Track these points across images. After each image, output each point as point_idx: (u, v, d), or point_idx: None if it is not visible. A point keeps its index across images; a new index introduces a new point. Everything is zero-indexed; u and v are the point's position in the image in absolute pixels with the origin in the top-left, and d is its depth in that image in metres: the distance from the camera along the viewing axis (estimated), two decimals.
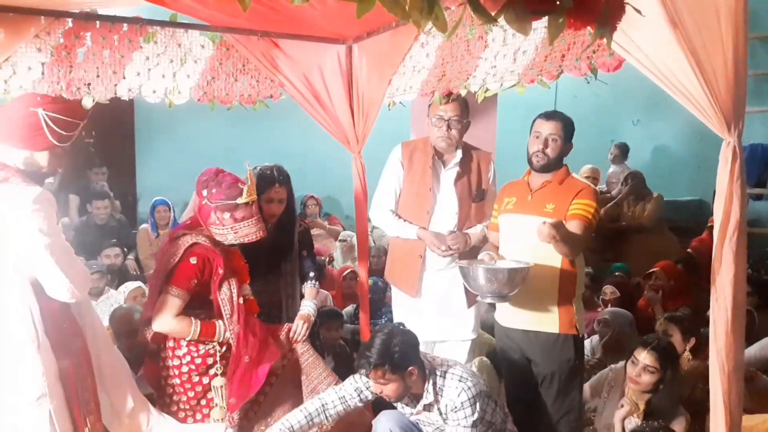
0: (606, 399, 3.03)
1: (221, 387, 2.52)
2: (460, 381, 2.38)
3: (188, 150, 6.98)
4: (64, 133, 1.99)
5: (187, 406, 2.57)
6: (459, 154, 3.00)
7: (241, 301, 2.50)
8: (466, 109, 2.95)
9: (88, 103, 2.75)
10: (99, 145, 6.56)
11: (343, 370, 3.13)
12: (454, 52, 2.72)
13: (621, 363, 3.07)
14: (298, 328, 2.73)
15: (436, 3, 1.10)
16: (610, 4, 1.23)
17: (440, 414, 2.44)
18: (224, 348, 2.53)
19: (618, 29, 1.40)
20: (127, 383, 2.40)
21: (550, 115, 2.64)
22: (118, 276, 4.65)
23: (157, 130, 6.80)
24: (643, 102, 6.85)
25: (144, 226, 5.60)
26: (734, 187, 1.71)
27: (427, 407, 2.44)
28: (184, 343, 2.50)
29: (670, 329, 3.31)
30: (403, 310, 3.11)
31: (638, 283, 4.79)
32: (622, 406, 2.73)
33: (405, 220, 3.05)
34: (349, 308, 4.48)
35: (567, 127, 2.62)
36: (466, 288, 2.77)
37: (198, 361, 2.52)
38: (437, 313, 3.01)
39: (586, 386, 3.22)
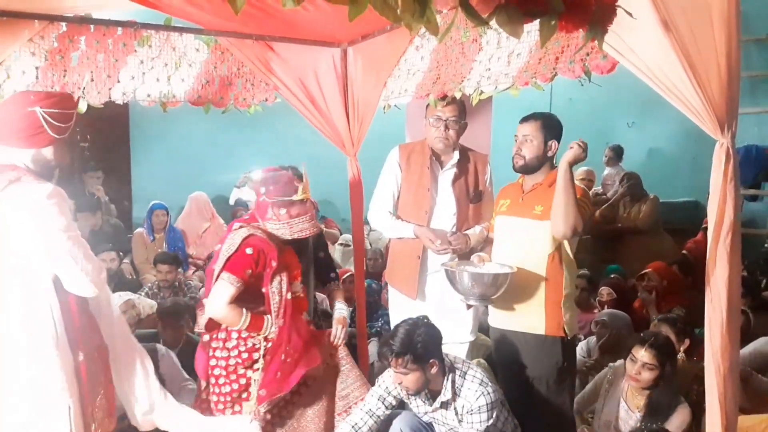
0: (605, 397, 3.03)
1: (257, 382, 2.57)
2: (480, 385, 2.41)
3: (183, 153, 6.98)
4: (63, 125, 2.02)
5: (228, 399, 2.59)
6: (456, 155, 3.01)
7: (289, 296, 2.57)
8: (463, 110, 2.95)
9: (82, 107, 2.75)
10: (94, 149, 6.55)
11: None
12: (448, 55, 2.73)
13: (619, 362, 3.07)
14: (338, 332, 2.79)
15: (427, 6, 1.10)
16: (601, 7, 1.24)
17: (456, 413, 2.45)
18: (269, 344, 2.58)
19: (611, 32, 1.40)
20: (144, 376, 2.40)
21: (525, 118, 2.67)
22: (113, 280, 4.62)
23: (152, 134, 6.79)
24: (638, 104, 6.87)
25: (139, 230, 5.58)
26: (728, 188, 1.72)
27: (444, 405, 2.46)
28: (235, 335, 2.55)
29: (664, 330, 3.32)
30: (401, 312, 3.11)
31: (633, 284, 4.80)
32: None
33: (402, 220, 3.05)
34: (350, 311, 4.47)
35: (545, 127, 2.61)
36: None
37: (245, 355, 2.56)
38: (436, 314, 3.01)
39: (583, 394, 3.22)
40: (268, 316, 2.55)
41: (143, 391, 2.38)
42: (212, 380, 2.60)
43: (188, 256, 5.61)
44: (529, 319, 2.60)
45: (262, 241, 2.53)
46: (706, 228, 1.82)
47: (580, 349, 3.89)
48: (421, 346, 2.32)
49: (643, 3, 1.57)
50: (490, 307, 2.75)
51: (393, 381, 2.46)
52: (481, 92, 2.57)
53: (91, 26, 2.75)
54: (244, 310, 2.51)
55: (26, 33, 2.62)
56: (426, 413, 2.54)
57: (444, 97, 2.83)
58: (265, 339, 2.56)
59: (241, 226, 2.60)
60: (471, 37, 2.57)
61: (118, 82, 2.82)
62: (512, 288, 2.54)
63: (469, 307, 2.84)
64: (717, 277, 1.77)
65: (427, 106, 2.99)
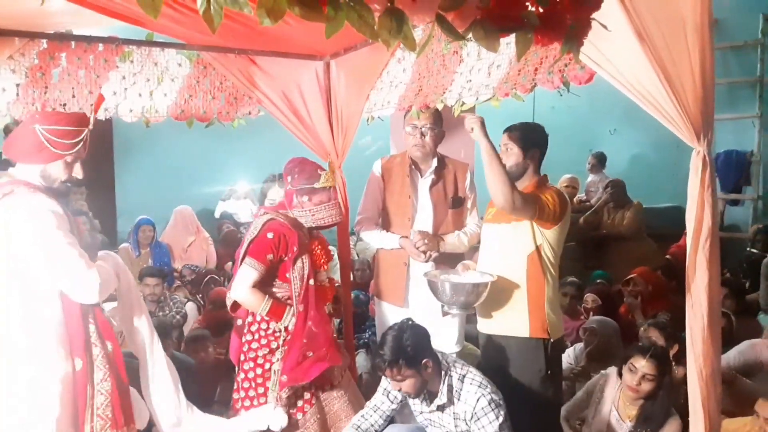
0: (597, 405, 3.03)
1: (278, 371, 2.58)
2: (479, 387, 2.38)
3: (168, 167, 6.95)
4: (67, 142, 2.06)
5: (253, 383, 2.62)
6: (434, 162, 3.07)
7: (311, 282, 2.57)
8: (438, 118, 3.00)
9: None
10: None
11: None
12: (430, 67, 2.75)
13: (611, 369, 3.06)
14: None
15: (404, 22, 1.12)
16: (576, 20, 1.26)
17: (453, 418, 2.44)
18: (289, 336, 2.59)
19: (587, 43, 1.42)
20: (172, 389, 2.42)
21: (507, 128, 2.69)
22: None
23: (136, 148, 6.75)
24: (619, 112, 6.95)
25: (124, 245, 5.54)
26: (705, 195, 1.75)
27: (441, 408, 2.45)
28: (259, 318, 2.59)
29: (653, 335, 3.34)
30: (387, 324, 3.11)
31: (619, 290, 4.83)
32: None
33: (388, 231, 3.09)
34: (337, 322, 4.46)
35: (522, 136, 2.63)
36: None
37: (264, 341, 2.60)
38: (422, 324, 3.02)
39: (573, 401, 3.23)
40: (290, 307, 2.57)
41: (171, 403, 2.40)
42: (240, 363, 2.66)
43: (173, 270, 5.57)
44: (513, 321, 2.62)
45: (282, 225, 2.56)
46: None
47: (567, 356, 3.90)
48: (411, 348, 2.31)
49: (618, 14, 1.60)
50: (478, 313, 2.76)
51: (392, 388, 2.46)
52: (463, 103, 2.60)
53: (72, 43, 2.75)
54: (267, 296, 2.55)
55: (6, 50, 2.61)
56: (422, 413, 2.54)
57: (427, 108, 2.86)
58: (286, 329, 2.58)
59: (264, 212, 2.65)
60: (452, 50, 2.60)
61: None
62: (496, 292, 2.57)
63: (444, 314, 2.85)
64: (697, 283, 1.79)
65: (405, 115, 3.03)
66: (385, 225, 3.14)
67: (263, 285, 2.58)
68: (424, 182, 3.08)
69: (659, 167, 7.09)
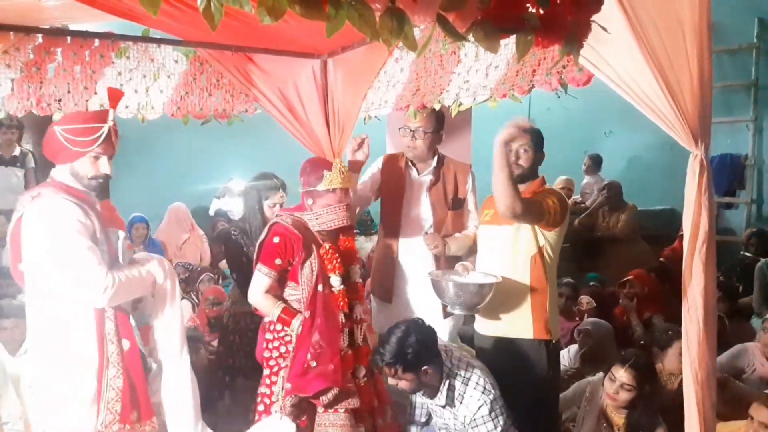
0: (585, 412, 3.03)
1: (285, 377, 2.52)
2: (483, 393, 2.35)
3: (162, 164, 6.91)
4: (85, 139, 2.11)
5: (267, 381, 2.58)
6: (433, 163, 3.05)
7: (320, 288, 2.47)
8: (435, 121, 2.97)
9: (59, 119, 2.72)
10: None
11: None
12: (427, 67, 2.75)
13: (598, 375, 3.07)
14: None
15: (405, 22, 1.11)
16: (576, 22, 1.26)
17: (453, 417, 2.44)
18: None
19: (586, 45, 1.42)
20: (186, 405, 2.41)
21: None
22: None
23: (131, 145, 6.70)
24: (615, 114, 6.96)
25: None
26: (702, 198, 1.75)
27: (441, 406, 2.45)
28: (275, 319, 2.55)
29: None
30: (378, 319, 3.12)
31: (613, 292, 4.84)
32: None
33: (386, 230, 3.10)
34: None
35: (536, 138, 2.63)
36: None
37: (275, 344, 2.55)
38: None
39: (562, 397, 3.23)
40: (300, 314, 2.50)
41: (185, 419, 2.39)
42: (266, 360, 2.61)
43: None
44: (517, 324, 2.62)
45: (286, 229, 2.49)
46: (682, 235, 1.84)
47: (562, 357, 3.91)
48: (411, 355, 2.28)
49: (617, 17, 1.60)
50: (478, 314, 2.76)
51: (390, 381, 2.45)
52: (460, 104, 2.59)
53: (68, 38, 2.73)
54: (279, 303, 2.51)
55: (1, 45, 2.60)
56: (431, 407, 2.54)
57: (424, 108, 2.85)
58: (298, 336, 2.52)
59: (278, 214, 2.61)
60: (450, 50, 2.60)
61: (96, 93, 2.80)
62: (499, 294, 2.55)
63: (447, 315, 2.84)
64: (693, 286, 1.80)
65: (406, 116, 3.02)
66: (383, 223, 3.12)
67: (281, 288, 2.54)
68: (421, 182, 3.06)
69: (654, 169, 7.11)
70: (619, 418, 2.83)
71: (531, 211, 2.44)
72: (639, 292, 4.46)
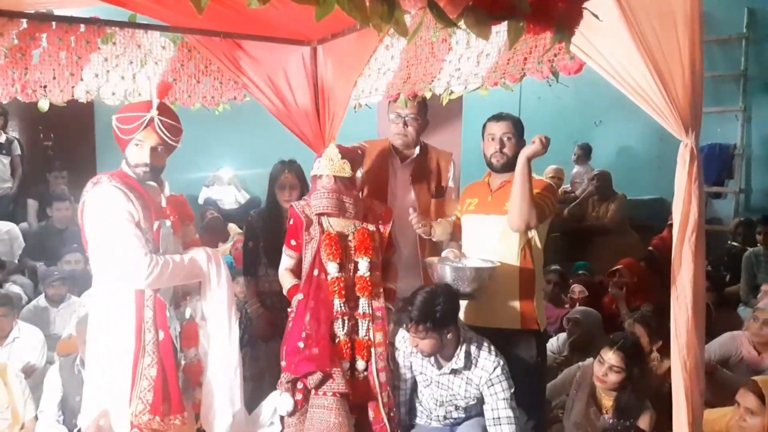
0: (575, 397, 3.06)
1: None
2: (496, 356, 2.46)
3: None
4: (128, 127, 2.25)
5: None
6: (416, 151, 3.05)
7: (315, 273, 2.52)
8: (423, 108, 2.97)
9: (44, 105, 2.68)
10: (58, 148, 6.39)
11: None
12: (418, 55, 2.73)
13: (589, 360, 3.10)
14: None
15: (396, 7, 1.10)
16: (568, 10, 1.24)
17: (465, 383, 2.48)
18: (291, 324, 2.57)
19: (578, 33, 1.41)
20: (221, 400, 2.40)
21: (499, 117, 2.69)
22: (80, 282, 4.52)
23: None
24: (605, 103, 6.97)
25: None
26: (692, 187, 1.75)
27: (455, 372, 2.48)
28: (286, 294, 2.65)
29: (638, 331, 3.35)
30: None
31: (601, 281, 4.87)
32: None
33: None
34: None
35: (518, 126, 2.67)
36: None
37: (290, 318, 2.59)
38: None
39: (551, 385, 3.26)
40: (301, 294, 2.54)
41: (219, 412, 2.40)
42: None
43: None
44: (505, 314, 2.63)
45: (294, 212, 2.60)
46: (671, 225, 1.85)
47: (551, 345, 3.93)
48: (440, 314, 2.35)
49: (609, 5, 1.58)
50: (463, 305, 2.75)
51: (409, 343, 2.49)
52: (451, 92, 2.57)
53: (53, 23, 2.68)
54: (295, 280, 2.60)
55: None
56: (431, 379, 2.56)
57: (415, 97, 2.83)
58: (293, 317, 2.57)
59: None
60: (440, 37, 2.57)
61: (82, 80, 2.76)
62: (487, 284, 2.56)
63: None
64: (682, 275, 1.80)
65: (389, 103, 3.00)
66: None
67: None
68: (405, 170, 3.05)
69: (643, 159, 7.14)
70: (607, 401, 2.87)
71: (540, 220, 2.51)
72: (628, 281, 4.50)
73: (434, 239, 2.92)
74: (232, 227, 6.21)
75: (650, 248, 5.45)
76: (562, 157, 6.91)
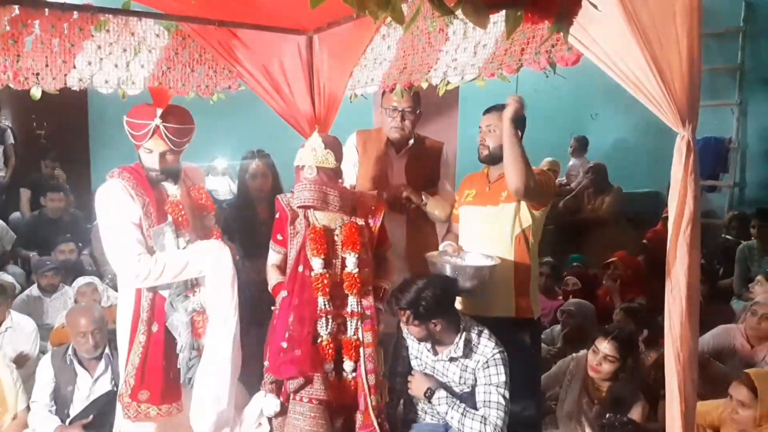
0: (568, 387, 3.08)
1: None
2: (496, 344, 2.45)
3: None
4: (138, 134, 2.32)
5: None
6: (411, 142, 3.04)
7: (300, 269, 2.42)
8: (418, 100, 2.97)
9: (36, 93, 2.65)
10: (51, 137, 6.34)
11: None
12: (415, 45, 2.71)
13: (582, 352, 3.12)
14: None
15: None
16: None
17: (461, 370, 2.47)
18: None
19: (576, 24, 1.40)
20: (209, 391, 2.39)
21: (488, 109, 2.70)
22: (72, 272, 4.50)
23: (112, 121, 6.58)
24: (601, 96, 6.97)
25: None
26: (688, 180, 1.74)
27: (452, 359, 2.48)
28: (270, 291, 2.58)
29: (625, 321, 3.38)
30: None
31: (595, 273, 4.88)
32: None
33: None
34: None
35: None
36: None
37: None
38: None
39: (546, 376, 3.27)
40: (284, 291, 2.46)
41: (206, 406, 2.40)
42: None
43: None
44: (500, 302, 2.64)
45: (280, 205, 2.54)
46: (665, 218, 1.85)
47: (545, 336, 3.95)
48: (423, 308, 2.35)
49: None
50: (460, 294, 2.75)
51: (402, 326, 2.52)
52: (448, 83, 2.56)
53: (46, 10, 2.64)
54: (278, 277, 2.54)
55: None
56: (426, 364, 2.56)
57: (410, 87, 2.82)
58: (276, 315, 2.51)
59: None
60: (437, 27, 2.56)
61: (74, 68, 2.72)
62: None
63: None
64: (677, 267, 1.80)
65: (383, 94, 2.98)
66: None
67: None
68: (400, 161, 3.05)
69: (639, 152, 7.14)
70: (600, 392, 2.88)
71: (540, 186, 2.50)
72: (622, 273, 4.51)
73: (427, 212, 2.92)
74: None
75: (644, 241, 5.47)
76: (559, 150, 6.92)
